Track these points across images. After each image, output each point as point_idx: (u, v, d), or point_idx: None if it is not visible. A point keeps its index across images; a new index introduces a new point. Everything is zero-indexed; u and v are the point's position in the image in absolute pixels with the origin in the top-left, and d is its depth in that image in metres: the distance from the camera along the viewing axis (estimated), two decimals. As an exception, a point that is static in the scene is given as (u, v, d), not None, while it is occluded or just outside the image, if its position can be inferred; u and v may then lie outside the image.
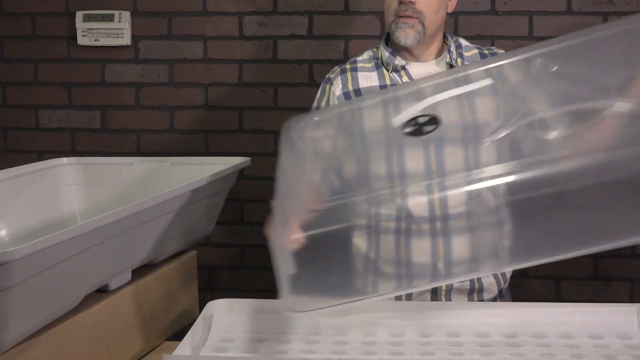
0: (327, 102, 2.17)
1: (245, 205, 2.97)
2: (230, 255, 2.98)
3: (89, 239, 1.67)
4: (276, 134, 2.92)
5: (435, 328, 1.81)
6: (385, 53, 2.14)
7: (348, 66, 2.18)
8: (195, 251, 2.39)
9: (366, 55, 2.19)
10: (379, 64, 2.16)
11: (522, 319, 1.82)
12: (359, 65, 2.17)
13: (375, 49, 2.19)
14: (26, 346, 1.57)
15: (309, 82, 2.88)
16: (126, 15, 2.92)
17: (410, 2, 2.04)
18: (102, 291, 1.89)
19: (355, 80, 2.15)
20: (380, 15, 2.80)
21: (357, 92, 2.13)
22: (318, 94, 2.21)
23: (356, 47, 2.84)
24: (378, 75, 2.15)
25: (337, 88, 2.16)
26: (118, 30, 2.92)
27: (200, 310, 1.87)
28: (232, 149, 2.94)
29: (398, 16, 2.07)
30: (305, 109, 2.86)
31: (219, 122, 2.95)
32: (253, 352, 1.75)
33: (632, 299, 2.83)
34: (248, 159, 2.52)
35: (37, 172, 2.31)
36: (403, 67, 2.13)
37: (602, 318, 1.82)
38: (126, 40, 2.93)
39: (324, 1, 2.85)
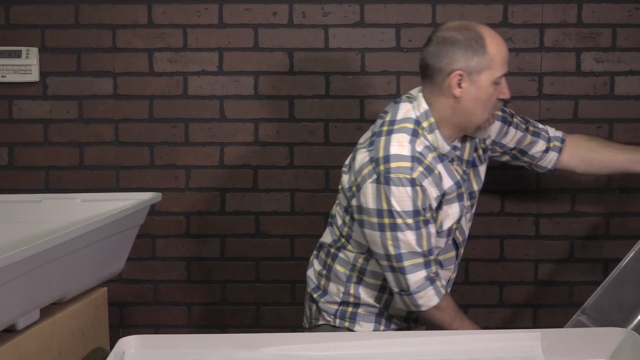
0: (424, 203, 2.06)
1: (157, 240, 2.96)
2: (142, 291, 2.96)
3: (-4, 278, 1.65)
4: (187, 169, 2.93)
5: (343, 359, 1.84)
6: (445, 146, 2.10)
7: (426, 162, 2.05)
8: (106, 288, 2.37)
9: (421, 146, 2.07)
10: (442, 156, 2.10)
11: (430, 347, 1.87)
12: (429, 160, 2.06)
13: (421, 136, 2.08)
14: None
15: (220, 117, 2.90)
16: (34, 51, 2.89)
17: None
18: (10, 331, 1.86)
19: (441, 180, 2.09)
20: (288, 52, 2.86)
21: (444, 193, 2.11)
22: (409, 198, 2.03)
23: (266, 82, 2.88)
24: (446, 170, 2.11)
25: (432, 190, 2.07)
26: (26, 66, 2.89)
27: (112, 348, 1.86)
28: (143, 185, 2.93)
29: (492, 113, 2.11)
30: (214, 144, 2.89)
31: (129, 158, 2.94)
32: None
33: (535, 324, 2.92)
34: (159, 194, 2.52)
35: (-59, 210, 2.27)
36: (459, 156, 2.16)
37: (507, 344, 1.88)
38: (34, 76, 2.90)
39: (234, 38, 2.88)
